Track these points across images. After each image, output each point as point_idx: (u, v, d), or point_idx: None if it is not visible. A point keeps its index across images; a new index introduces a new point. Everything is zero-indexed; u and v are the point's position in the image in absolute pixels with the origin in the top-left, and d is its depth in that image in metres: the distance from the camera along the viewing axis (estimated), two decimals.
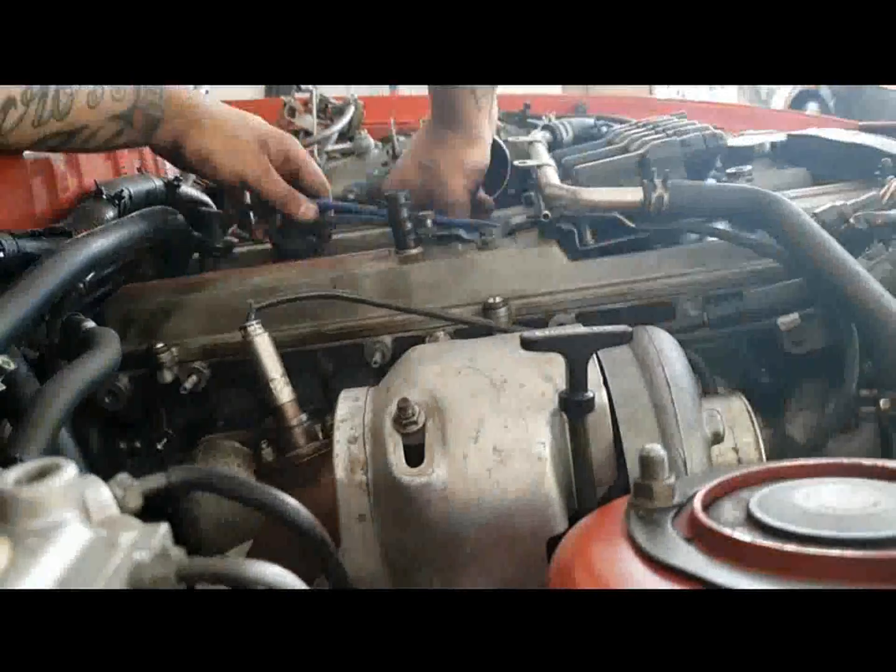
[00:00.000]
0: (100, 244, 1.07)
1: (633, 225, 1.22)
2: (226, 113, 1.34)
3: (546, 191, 1.28)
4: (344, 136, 2.22)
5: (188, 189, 1.61)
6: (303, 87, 2.29)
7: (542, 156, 1.50)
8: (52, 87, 1.12)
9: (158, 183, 1.49)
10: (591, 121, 2.01)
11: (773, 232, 1.14)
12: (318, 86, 2.24)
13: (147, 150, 1.71)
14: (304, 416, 1.16)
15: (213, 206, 1.71)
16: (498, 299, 1.23)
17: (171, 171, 1.84)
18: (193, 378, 1.24)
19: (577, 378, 0.86)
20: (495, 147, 1.68)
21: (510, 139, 1.75)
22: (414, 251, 1.30)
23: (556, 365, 0.93)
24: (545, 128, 1.87)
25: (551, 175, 1.33)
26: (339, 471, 0.94)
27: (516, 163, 1.55)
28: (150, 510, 0.53)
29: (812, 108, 6.59)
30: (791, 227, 1.10)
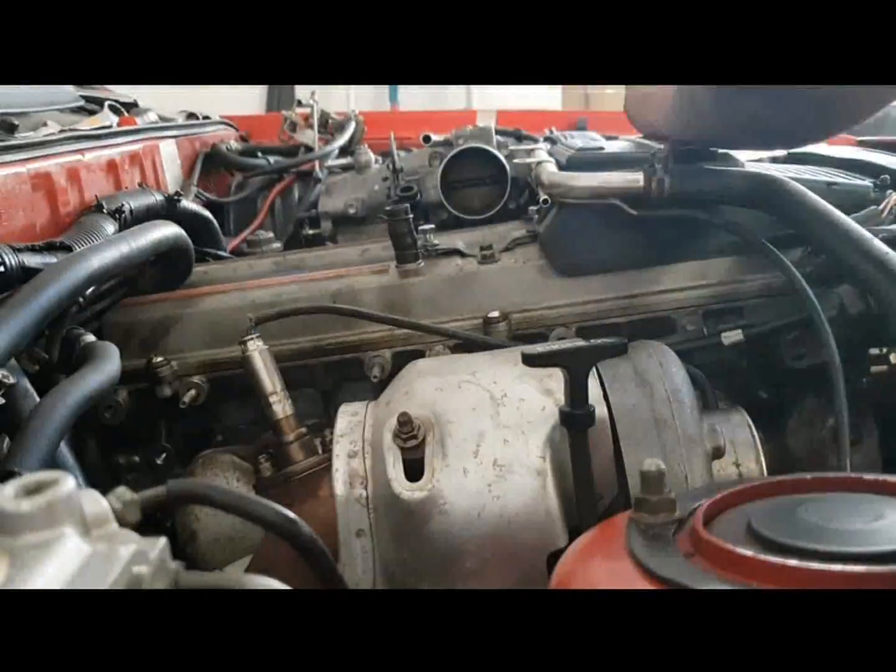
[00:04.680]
0: (100, 259, 1.07)
1: (634, 212, 1.17)
2: None
3: (543, 178, 1.27)
4: (344, 150, 2.23)
5: (188, 203, 1.62)
6: (304, 101, 2.30)
7: (543, 156, 1.49)
8: None
9: (159, 197, 1.49)
10: (593, 134, 2.02)
11: (778, 213, 1.11)
12: (318, 101, 2.25)
13: (148, 165, 1.72)
14: (303, 431, 1.16)
15: (214, 220, 1.72)
16: (498, 313, 1.23)
17: (172, 185, 1.85)
18: (192, 392, 1.24)
19: (577, 392, 0.86)
20: (495, 162, 1.69)
21: (511, 147, 1.76)
22: (414, 266, 1.30)
23: (556, 379, 0.93)
24: (547, 139, 1.88)
25: (549, 167, 1.33)
26: (339, 485, 0.94)
27: (516, 160, 1.54)
28: (149, 524, 0.52)
29: None
30: (796, 204, 1.07)
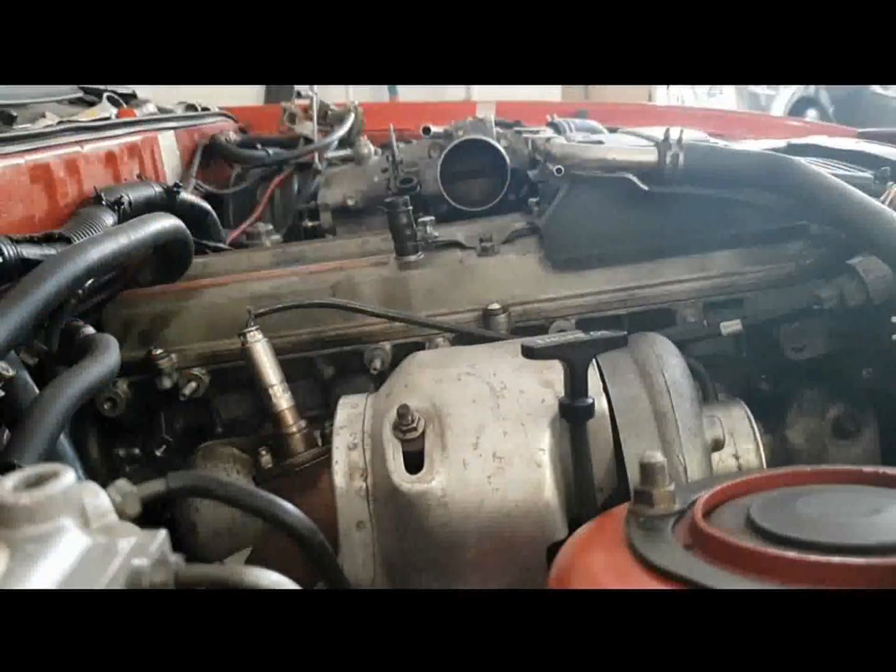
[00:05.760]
0: (99, 250, 1.07)
1: (646, 188, 1.16)
2: None
3: (555, 151, 1.24)
4: (344, 142, 2.23)
5: (188, 195, 1.61)
6: (303, 93, 2.29)
7: (550, 133, 1.47)
8: None
9: (158, 189, 1.49)
10: (593, 123, 2.01)
11: (794, 193, 1.10)
12: (318, 92, 2.25)
13: (146, 156, 1.72)
14: (303, 423, 1.16)
15: (213, 212, 1.71)
16: (497, 306, 1.23)
17: (171, 177, 1.84)
18: (192, 384, 1.24)
19: (576, 384, 0.86)
20: (494, 153, 1.68)
21: (516, 129, 1.75)
22: (414, 257, 1.30)
23: (555, 371, 0.92)
24: (550, 125, 1.88)
25: (561, 139, 1.31)
26: (339, 477, 0.94)
27: (525, 133, 1.51)
28: (149, 517, 0.52)
29: (811, 114, 6.60)
30: (813, 184, 1.05)
